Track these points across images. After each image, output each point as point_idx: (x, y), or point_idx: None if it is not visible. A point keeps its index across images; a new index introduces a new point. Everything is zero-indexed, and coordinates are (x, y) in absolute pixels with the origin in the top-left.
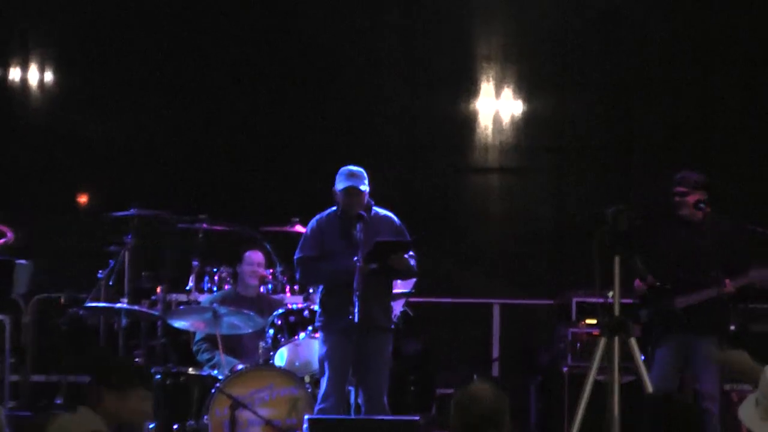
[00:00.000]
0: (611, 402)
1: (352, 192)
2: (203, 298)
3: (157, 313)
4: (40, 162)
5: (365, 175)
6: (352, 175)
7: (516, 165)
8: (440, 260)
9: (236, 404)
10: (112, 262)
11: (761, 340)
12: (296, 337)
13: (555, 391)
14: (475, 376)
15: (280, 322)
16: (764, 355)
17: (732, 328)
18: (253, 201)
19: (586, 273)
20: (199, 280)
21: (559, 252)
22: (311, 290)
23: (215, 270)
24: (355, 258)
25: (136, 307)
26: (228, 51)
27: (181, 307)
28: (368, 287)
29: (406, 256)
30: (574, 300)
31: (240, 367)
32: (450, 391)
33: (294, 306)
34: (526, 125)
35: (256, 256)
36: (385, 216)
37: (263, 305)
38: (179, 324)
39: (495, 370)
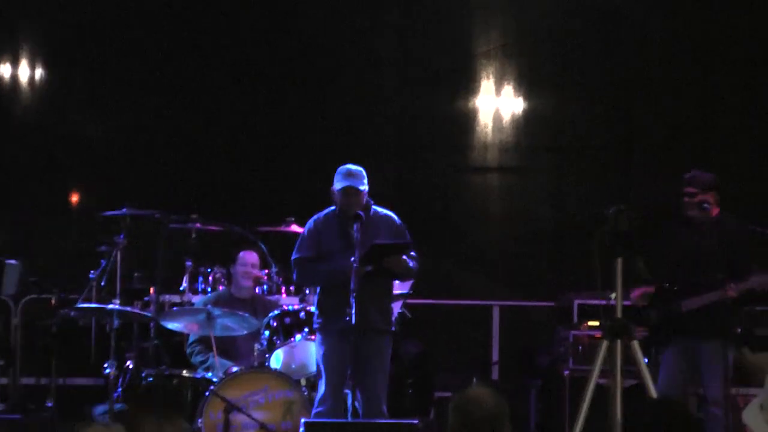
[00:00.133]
0: (613, 406)
1: (351, 192)
2: (197, 299)
3: (149, 315)
4: (30, 160)
5: (364, 174)
6: (350, 174)
7: (516, 164)
8: (439, 261)
9: (230, 407)
10: (103, 263)
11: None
12: (292, 339)
13: (556, 395)
14: (474, 380)
15: (275, 324)
16: None
17: (738, 331)
18: (248, 200)
19: (587, 274)
20: (192, 281)
21: (559, 252)
22: (308, 291)
23: (209, 270)
24: (352, 259)
25: (128, 309)
26: (227, 50)
27: (174, 308)
28: (366, 288)
29: (405, 257)
30: (576, 302)
31: (234, 369)
32: (449, 394)
33: (290, 307)
34: (526, 124)
35: (250, 257)
36: (385, 215)
37: (258, 306)
38: (172, 325)
39: (494, 374)
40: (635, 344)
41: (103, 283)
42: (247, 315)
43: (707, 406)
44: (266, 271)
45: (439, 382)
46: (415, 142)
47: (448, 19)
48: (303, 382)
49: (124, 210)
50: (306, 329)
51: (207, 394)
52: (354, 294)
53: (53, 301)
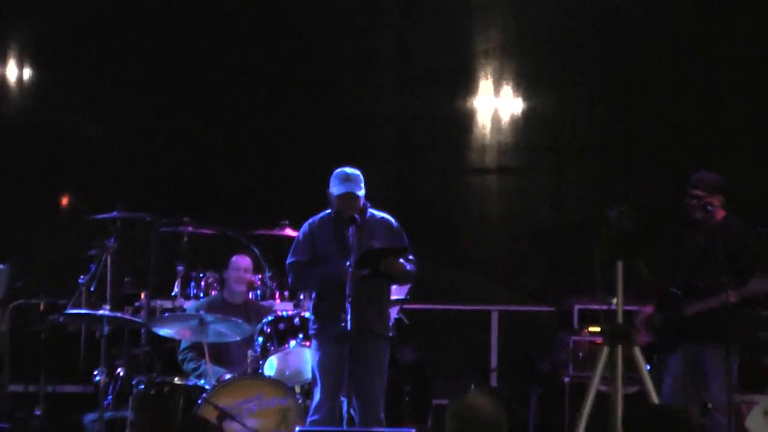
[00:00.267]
0: (614, 414)
1: (349, 197)
2: (189, 305)
3: (140, 321)
4: (19, 161)
5: (361, 177)
6: (348, 178)
7: (515, 165)
8: (437, 264)
9: (223, 415)
10: (93, 267)
11: None
12: (286, 345)
13: (556, 402)
14: (472, 386)
15: (269, 330)
16: None
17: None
18: (241, 203)
19: (588, 278)
20: (184, 286)
21: (559, 255)
22: (302, 297)
23: (201, 275)
24: (348, 263)
25: (118, 314)
26: (225, 50)
27: (166, 314)
28: (362, 293)
29: (402, 260)
30: (576, 307)
31: (227, 376)
32: (447, 401)
33: (284, 313)
34: (525, 124)
35: (242, 261)
36: (382, 219)
37: (251, 312)
38: (164, 331)
39: (493, 380)
40: (637, 350)
41: (93, 288)
42: (240, 321)
43: (711, 413)
44: (260, 275)
45: (437, 388)
46: (414, 142)
47: (447, 19)
48: (298, 389)
49: (115, 213)
50: (300, 335)
51: (199, 401)
52: (350, 299)
53: (42, 307)
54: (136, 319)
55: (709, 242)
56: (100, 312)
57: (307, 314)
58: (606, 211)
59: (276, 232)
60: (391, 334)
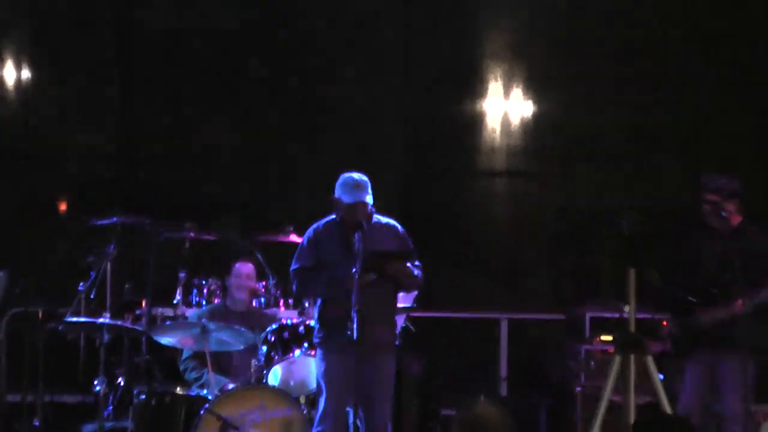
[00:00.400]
0: (626, 424)
1: (360, 206)
2: (191, 313)
3: (141, 329)
4: (16, 165)
5: (369, 183)
6: (358, 186)
7: (524, 169)
8: (444, 271)
9: (226, 426)
10: (93, 274)
11: None
12: (291, 354)
13: (567, 412)
14: (481, 397)
15: (273, 339)
16: None
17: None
18: (244, 208)
19: (600, 285)
20: (186, 293)
21: (571, 262)
22: (307, 304)
23: (203, 282)
24: (354, 270)
25: (119, 322)
26: (219, 51)
27: (167, 322)
28: (369, 300)
29: (409, 264)
30: (588, 315)
31: (230, 386)
32: (454, 412)
33: (288, 321)
34: (535, 127)
35: (244, 268)
36: (388, 224)
37: (255, 320)
38: (165, 340)
39: (503, 390)
40: (649, 359)
41: (92, 296)
42: (243, 329)
43: (725, 423)
44: (263, 282)
45: (445, 399)
46: (422, 145)
47: (456, 20)
48: (302, 399)
49: (115, 218)
50: (305, 344)
51: (201, 412)
52: (356, 307)
53: (40, 315)
54: (136, 327)
55: (724, 249)
56: (100, 320)
57: (312, 322)
58: (616, 216)
59: (280, 237)
60: (398, 342)
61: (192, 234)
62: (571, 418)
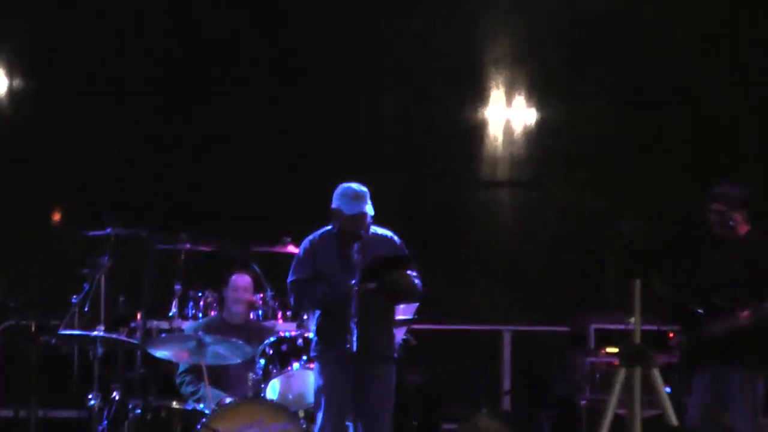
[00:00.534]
0: None
1: (362, 217)
2: (187, 326)
3: (136, 342)
4: (8, 175)
5: (368, 193)
6: (358, 197)
7: (528, 178)
8: (446, 283)
9: None
10: (86, 286)
11: None
12: (289, 367)
13: (572, 426)
14: (483, 410)
15: (271, 352)
16: None
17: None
18: (241, 219)
19: (604, 296)
20: (182, 306)
21: (574, 273)
22: (306, 317)
23: (200, 294)
24: (353, 281)
25: (113, 335)
26: (219, 59)
27: (163, 335)
28: (367, 312)
29: (409, 272)
30: (592, 326)
31: (227, 400)
32: (456, 426)
33: (286, 334)
34: (538, 135)
35: (241, 281)
36: (384, 236)
37: (252, 333)
38: (160, 353)
39: (506, 404)
40: (655, 372)
41: (86, 308)
42: (240, 342)
43: None
44: (261, 295)
45: (447, 413)
46: (422, 154)
47: (456, 25)
48: (301, 413)
49: (109, 230)
50: (304, 357)
51: (198, 427)
52: (355, 318)
53: (33, 328)
54: (131, 341)
55: (730, 259)
56: (94, 333)
57: (310, 335)
58: (620, 225)
59: (278, 248)
60: (396, 355)
61: (188, 245)
62: (576, 431)
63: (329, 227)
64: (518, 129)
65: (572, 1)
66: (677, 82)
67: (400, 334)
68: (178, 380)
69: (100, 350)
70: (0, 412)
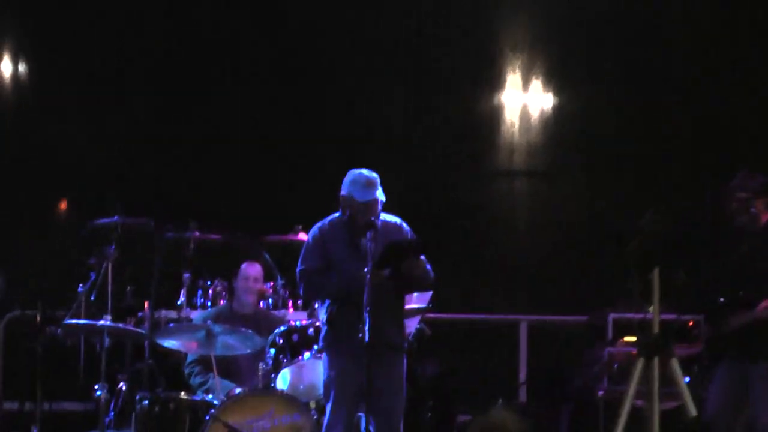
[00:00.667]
0: (650, 430)
1: (375, 203)
2: (195, 315)
3: (143, 332)
4: (14, 162)
5: (378, 178)
6: (370, 183)
7: (545, 167)
8: (461, 273)
9: None
10: (93, 276)
11: None
12: (300, 357)
13: (589, 418)
14: (499, 402)
15: (281, 342)
16: None
17: None
18: (251, 207)
19: (623, 286)
20: (190, 295)
21: (593, 263)
22: (317, 306)
23: (209, 284)
24: (366, 269)
25: (120, 326)
26: (222, 45)
27: (171, 325)
28: (380, 301)
29: (423, 257)
30: (611, 316)
31: (237, 391)
32: (471, 418)
33: (297, 323)
34: (555, 123)
35: (252, 270)
36: (394, 223)
37: (262, 323)
38: (169, 344)
39: (522, 395)
40: (674, 362)
41: (92, 298)
42: (250, 332)
43: None
44: (271, 283)
45: (461, 405)
46: (434, 143)
47: (471, 8)
48: (312, 405)
49: (116, 218)
50: (315, 347)
51: (207, 418)
52: (368, 308)
53: (38, 318)
54: (139, 331)
55: (753, 249)
56: (101, 323)
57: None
58: (641, 214)
59: (289, 237)
60: (407, 345)
61: (197, 234)
62: (594, 423)
63: (337, 214)
64: (535, 115)
65: None
66: (704, 68)
67: (413, 324)
68: (186, 371)
69: (106, 341)
70: (6, 404)
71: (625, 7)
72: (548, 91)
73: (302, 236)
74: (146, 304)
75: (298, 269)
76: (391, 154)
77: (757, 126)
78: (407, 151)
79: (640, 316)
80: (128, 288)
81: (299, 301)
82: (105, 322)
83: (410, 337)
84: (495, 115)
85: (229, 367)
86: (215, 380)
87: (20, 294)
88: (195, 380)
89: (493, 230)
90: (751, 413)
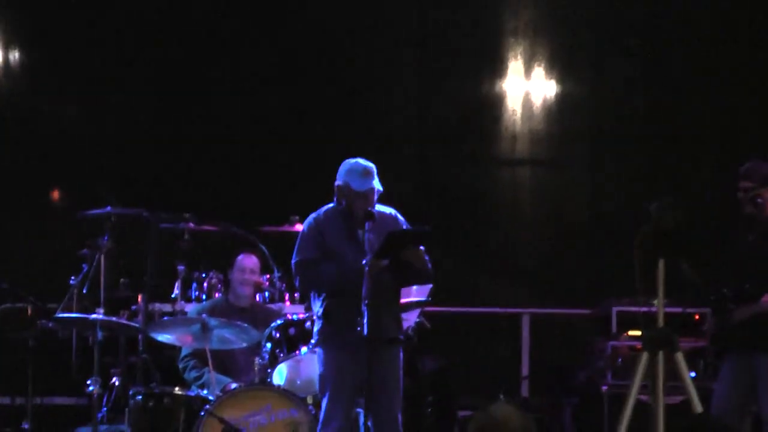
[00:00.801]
0: (655, 426)
1: (372, 193)
2: (190, 308)
3: (137, 326)
4: (4, 151)
5: (375, 168)
6: (367, 173)
7: (548, 156)
8: (462, 264)
9: (229, 429)
10: (85, 267)
11: None
12: (297, 351)
13: (593, 413)
14: (501, 397)
15: (278, 335)
16: None
17: None
18: (247, 197)
19: (627, 279)
20: (185, 288)
21: (597, 255)
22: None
23: (204, 276)
24: (364, 261)
25: (113, 319)
26: (224, 33)
27: (165, 318)
28: (378, 294)
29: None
30: (615, 309)
31: (233, 386)
32: (472, 413)
33: (294, 316)
34: (559, 110)
35: (248, 261)
36: (389, 214)
37: (258, 316)
38: (163, 337)
39: (525, 390)
40: (679, 356)
41: (85, 291)
42: (246, 325)
43: (765, 427)
44: (268, 276)
45: (462, 400)
46: (434, 131)
47: None
48: (309, 400)
49: (109, 208)
50: (312, 341)
51: (202, 414)
52: (366, 301)
53: (29, 311)
54: (132, 324)
55: (760, 240)
56: (93, 316)
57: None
58: (648, 204)
59: (286, 228)
60: (402, 336)
61: (192, 225)
62: (598, 419)
63: (331, 204)
64: (538, 103)
65: None
66: (712, 56)
67: (413, 317)
68: (180, 365)
69: (99, 334)
70: None
71: None
72: (551, 79)
73: (299, 227)
74: (140, 297)
75: (293, 261)
76: (395, 144)
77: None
78: (408, 139)
79: (645, 309)
80: (121, 280)
81: (296, 294)
82: (98, 315)
83: (410, 331)
84: (497, 102)
85: (225, 362)
86: (210, 375)
87: (11, 286)
88: (190, 375)
89: (496, 220)
90: (759, 405)
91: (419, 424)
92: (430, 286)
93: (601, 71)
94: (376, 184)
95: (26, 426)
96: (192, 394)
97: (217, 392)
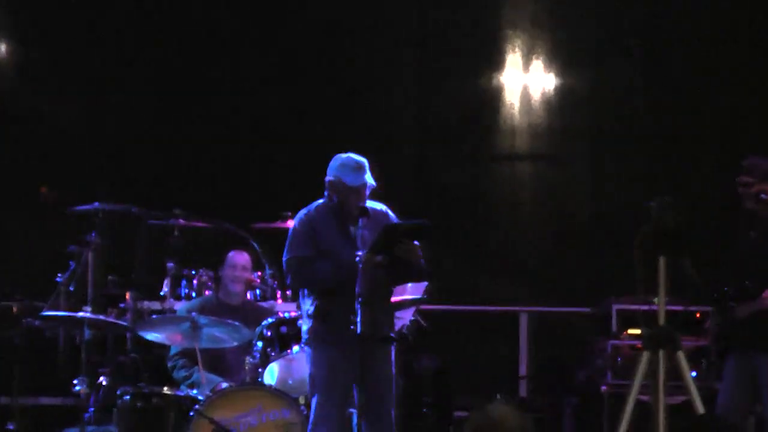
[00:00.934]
0: (656, 426)
1: (364, 188)
2: (180, 306)
3: (125, 324)
4: (3, 152)
5: (367, 162)
6: (360, 167)
7: (548, 151)
8: (460, 261)
9: (219, 429)
10: (73, 265)
11: None
12: (289, 350)
13: (593, 413)
14: (498, 397)
15: (269, 334)
16: None
17: None
18: (238, 193)
19: (627, 277)
20: (174, 286)
21: (597, 252)
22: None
23: (194, 273)
24: (357, 258)
25: (101, 317)
26: (219, 31)
27: (154, 316)
28: (372, 291)
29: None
30: (615, 308)
31: (223, 386)
32: (469, 413)
33: (286, 315)
34: (558, 104)
35: (240, 258)
36: (381, 210)
37: (250, 314)
38: (152, 336)
39: (523, 390)
40: (681, 355)
41: (72, 288)
42: (237, 324)
43: None
44: (259, 273)
45: (460, 400)
46: (433, 125)
47: None
48: (301, 400)
49: (97, 204)
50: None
51: (192, 414)
52: (360, 299)
53: (15, 309)
54: (120, 323)
55: (761, 237)
56: (81, 314)
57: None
58: (648, 202)
59: (278, 225)
60: (392, 334)
61: (182, 221)
62: (598, 419)
63: (321, 200)
64: (536, 96)
65: None
66: (715, 50)
67: (408, 316)
68: (169, 364)
69: (87, 333)
70: None
71: None
72: (550, 72)
73: (291, 224)
74: (128, 295)
75: (285, 257)
76: (393, 140)
77: None
78: (406, 134)
79: (646, 307)
80: (110, 277)
81: (288, 292)
82: (85, 313)
83: (405, 330)
84: (495, 96)
85: (215, 361)
86: (200, 374)
87: None
88: (179, 374)
89: (495, 219)
90: (763, 405)
91: (416, 424)
92: (426, 284)
93: (601, 70)
94: (369, 179)
95: (11, 427)
96: (181, 393)
97: (207, 392)
